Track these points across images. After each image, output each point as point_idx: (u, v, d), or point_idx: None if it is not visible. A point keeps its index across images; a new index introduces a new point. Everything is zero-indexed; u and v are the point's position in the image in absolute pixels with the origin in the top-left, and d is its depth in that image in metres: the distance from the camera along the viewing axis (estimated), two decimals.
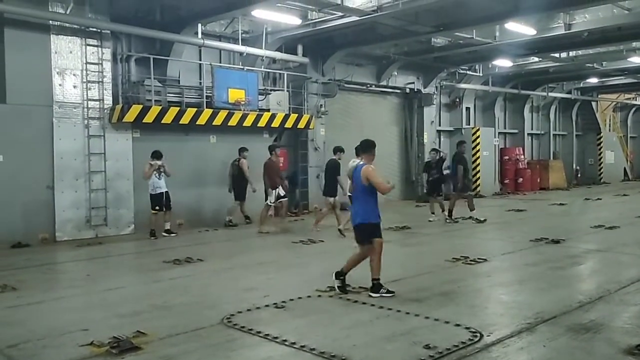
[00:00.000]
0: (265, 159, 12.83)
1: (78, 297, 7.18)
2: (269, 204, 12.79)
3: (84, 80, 11.84)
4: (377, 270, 6.81)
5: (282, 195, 12.79)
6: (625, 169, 31.23)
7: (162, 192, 11.90)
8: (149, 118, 12.29)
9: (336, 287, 6.91)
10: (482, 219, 13.78)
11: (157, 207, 11.86)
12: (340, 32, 15.26)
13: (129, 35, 13.04)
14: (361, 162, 7.11)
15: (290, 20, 13.76)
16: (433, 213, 14.19)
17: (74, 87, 11.73)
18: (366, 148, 7.21)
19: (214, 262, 9.28)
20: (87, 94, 11.89)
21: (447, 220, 13.70)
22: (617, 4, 13.51)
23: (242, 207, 13.59)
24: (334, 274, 6.99)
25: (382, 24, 14.43)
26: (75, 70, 11.73)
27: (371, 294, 6.74)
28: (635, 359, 4.70)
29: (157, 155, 11.84)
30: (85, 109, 11.89)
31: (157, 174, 11.80)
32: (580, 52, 19.43)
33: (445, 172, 14.92)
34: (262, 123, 14.24)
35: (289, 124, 15.00)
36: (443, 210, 14.13)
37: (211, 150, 13.88)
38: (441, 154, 15.48)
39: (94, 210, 11.98)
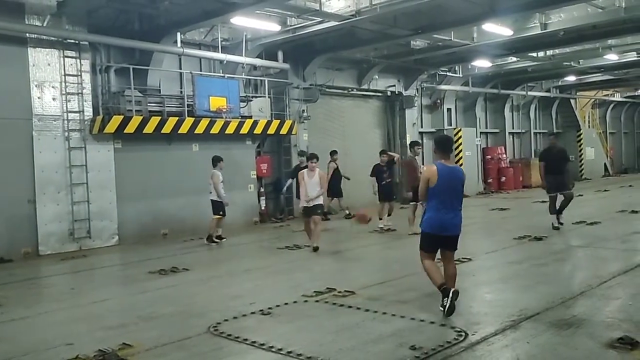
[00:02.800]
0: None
1: (63, 311, 7.12)
2: (417, 204, 11.58)
3: (63, 92, 11.74)
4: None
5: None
6: (605, 164, 31.62)
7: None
8: (130, 128, 12.23)
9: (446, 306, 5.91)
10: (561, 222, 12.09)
11: (221, 212, 11.98)
12: (319, 38, 15.32)
13: (107, 46, 12.92)
14: (444, 163, 6.26)
15: (269, 27, 13.77)
16: (381, 219, 12.83)
17: (53, 99, 11.64)
18: (449, 146, 6.51)
19: (199, 271, 9.24)
20: (66, 106, 11.79)
21: (555, 225, 11.95)
22: (591, 3, 13.67)
23: (340, 202, 15.84)
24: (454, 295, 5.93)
25: (361, 28, 14.55)
26: (54, 83, 11.64)
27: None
28: (617, 352, 4.78)
29: (219, 158, 12.03)
30: (66, 121, 11.79)
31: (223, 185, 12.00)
32: (557, 51, 19.68)
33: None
34: (244, 130, 14.25)
35: (271, 130, 15.02)
36: (389, 215, 13.01)
37: (194, 158, 13.85)
38: (393, 156, 14.01)
39: (77, 222, 11.86)
